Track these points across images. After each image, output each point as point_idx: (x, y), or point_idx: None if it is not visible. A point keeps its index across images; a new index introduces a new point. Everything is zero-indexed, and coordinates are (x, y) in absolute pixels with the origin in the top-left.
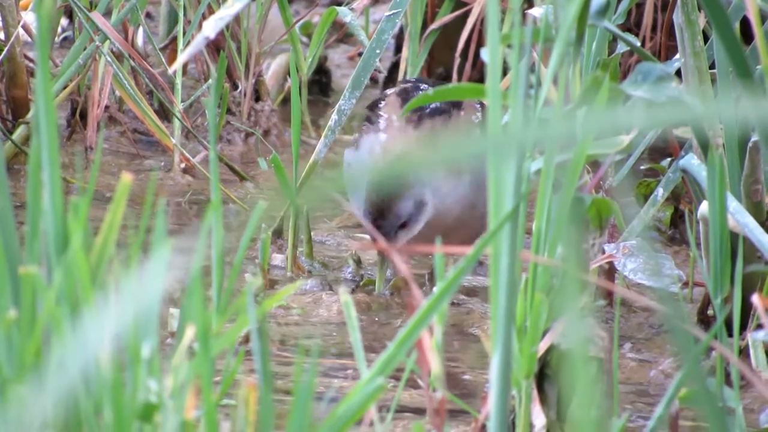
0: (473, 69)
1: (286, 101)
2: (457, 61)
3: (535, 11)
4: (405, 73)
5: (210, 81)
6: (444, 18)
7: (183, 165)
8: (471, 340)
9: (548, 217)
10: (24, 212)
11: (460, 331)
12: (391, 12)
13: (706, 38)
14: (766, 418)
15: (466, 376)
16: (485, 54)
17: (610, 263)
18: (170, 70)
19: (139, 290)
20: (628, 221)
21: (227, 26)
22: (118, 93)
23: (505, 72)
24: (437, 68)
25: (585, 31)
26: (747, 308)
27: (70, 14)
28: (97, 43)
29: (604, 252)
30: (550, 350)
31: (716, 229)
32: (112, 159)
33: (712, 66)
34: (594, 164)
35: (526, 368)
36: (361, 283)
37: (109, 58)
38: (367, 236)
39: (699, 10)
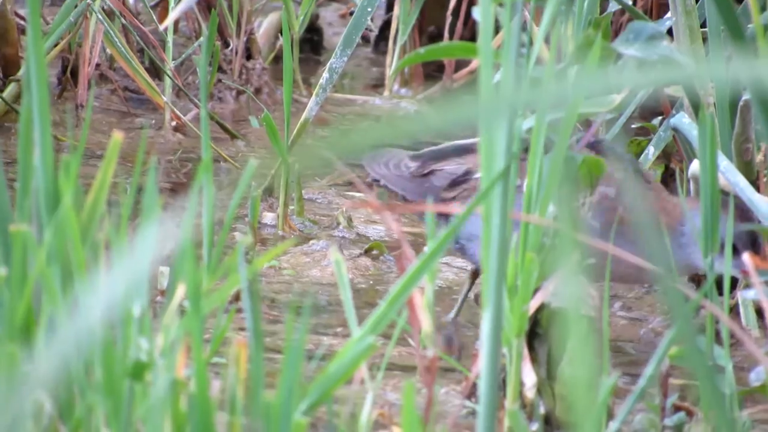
0: (465, 28)
1: (277, 59)
2: (449, 19)
3: None
4: (396, 31)
5: (201, 39)
6: None
7: (174, 123)
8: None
9: (540, 175)
10: (14, 169)
11: (451, 290)
12: None
13: None
14: (756, 376)
15: (458, 335)
16: (477, 13)
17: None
18: (161, 28)
19: (130, 248)
20: None
21: None
22: (109, 51)
23: (497, 31)
24: (428, 27)
25: None
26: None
27: None
28: (88, 0)
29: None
30: (540, 309)
31: (707, 188)
32: (102, 117)
33: (703, 25)
34: (586, 123)
35: (517, 327)
36: (366, 248)
37: (100, 16)
38: (358, 194)
39: None
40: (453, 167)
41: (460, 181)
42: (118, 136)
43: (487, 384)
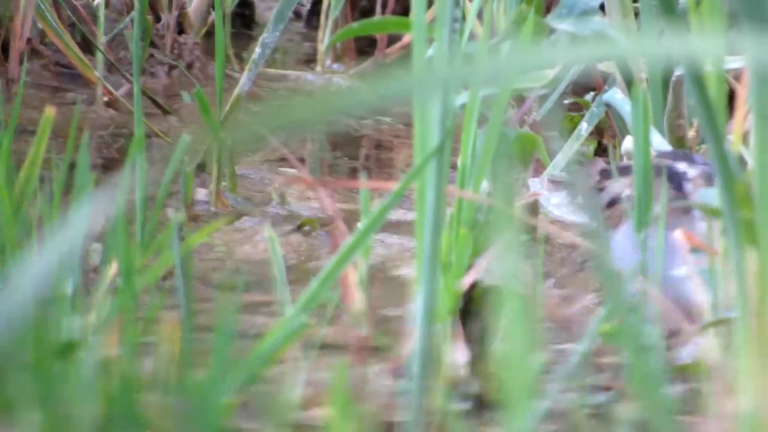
0: (397, 2)
1: (209, 34)
2: None
3: None
4: (328, 6)
5: (133, 13)
6: None
7: (106, 98)
8: (395, 278)
9: (473, 151)
10: None
11: (384, 267)
12: None
13: None
14: (686, 354)
15: (390, 313)
16: None
17: (535, 198)
18: (93, 2)
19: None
20: (553, 156)
21: None
22: (40, 25)
23: (429, 5)
24: (361, 2)
25: None
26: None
27: None
28: None
29: (528, 187)
30: (474, 286)
31: (640, 164)
32: (34, 92)
33: (635, 0)
34: (519, 99)
35: (450, 304)
36: (299, 224)
37: None
38: (291, 170)
39: None
40: (618, 187)
41: (614, 202)
42: (50, 111)
43: (419, 363)
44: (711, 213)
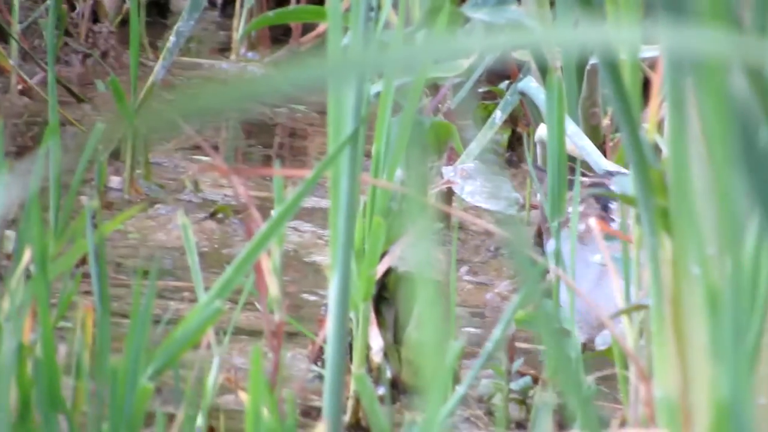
0: None
1: (124, 23)
2: None
3: None
4: None
5: (48, 2)
6: None
7: (20, 86)
8: (309, 264)
9: (388, 140)
10: None
11: (298, 255)
12: None
13: None
14: (601, 340)
15: (305, 300)
16: None
17: (449, 186)
18: None
19: None
20: (467, 144)
21: None
22: None
23: None
24: None
25: None
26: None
27: None
28: None
29: (442, 175)
30: (388, 273)
31: (554, 152)
32: None
33: None
34: (434, 87)
35: (364, 291)
36: (212, 211)
37: None
38: (205, 158)
39: None
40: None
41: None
42: None
43: (334, 348)
44: (626, 201)
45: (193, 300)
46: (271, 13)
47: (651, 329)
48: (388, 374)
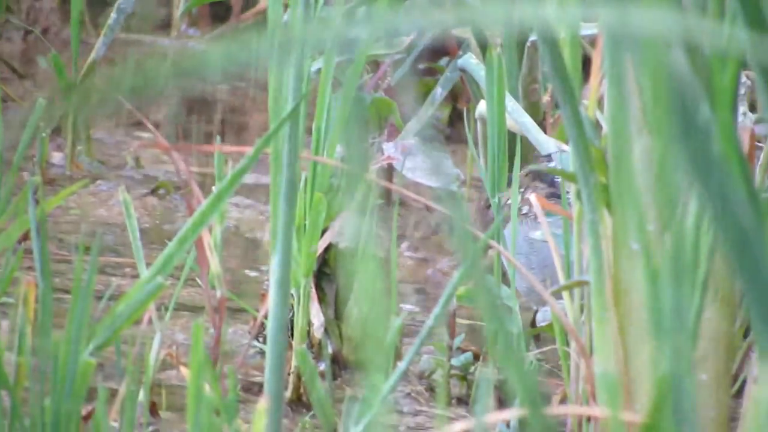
0: None
1: (65, 0)
2: None
3: None
4: None
5: None
6: None
7: None
8: (251, 240)
9: (328, 117)
10: None
11: (239, 231)
12: None
13: None
14: (542, 316)
15: (246, 275)
16: None
17: (389, 162)
18: None
19: None
20: (407, 120)
21: None
22: None
23: None
24: None
25: None
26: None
27: None
28: None
29: (383, 151)
30: (329, 249)
31: (494, 129)
32: None
33: None
34: (374, 64)
35: (305, 267)
36: (154, 188)
37: None
38: (146, 134)
39: None
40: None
41: None
42: None
43: (275, 324)
44: (566, 177)
45: (135, 276)
46: None
47: (591, 305)
48: (329, 350)
